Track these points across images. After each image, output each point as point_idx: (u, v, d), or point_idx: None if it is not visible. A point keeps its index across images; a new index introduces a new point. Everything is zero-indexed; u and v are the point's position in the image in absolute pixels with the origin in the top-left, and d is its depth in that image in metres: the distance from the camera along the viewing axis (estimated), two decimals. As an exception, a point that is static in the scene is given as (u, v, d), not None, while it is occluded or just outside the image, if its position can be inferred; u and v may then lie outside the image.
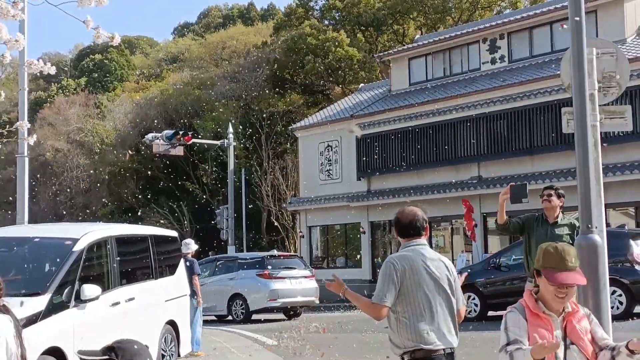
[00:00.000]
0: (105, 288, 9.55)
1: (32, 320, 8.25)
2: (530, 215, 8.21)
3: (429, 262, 4.77)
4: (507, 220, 8.13)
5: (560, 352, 3.65)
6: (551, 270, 3.69)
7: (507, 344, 3.65)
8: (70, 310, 8.84)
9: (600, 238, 5.11)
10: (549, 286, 3.71)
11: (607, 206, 16.54)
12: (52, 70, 5.51)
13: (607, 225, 9.38)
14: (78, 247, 9.27)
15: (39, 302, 8.43)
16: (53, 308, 8.56)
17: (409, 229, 4.88)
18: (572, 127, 5.90)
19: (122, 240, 10.31)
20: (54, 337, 8.51)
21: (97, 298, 9.16)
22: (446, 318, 4.72)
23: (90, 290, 9.02)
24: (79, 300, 8.94)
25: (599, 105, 5.77)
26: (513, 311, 3.81)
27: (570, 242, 7.43)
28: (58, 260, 9.08)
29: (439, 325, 4.66)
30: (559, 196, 7.96)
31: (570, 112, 5.88)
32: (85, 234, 9.62)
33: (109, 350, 3.63)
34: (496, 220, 8.20)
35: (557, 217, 7.95)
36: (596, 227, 5.13)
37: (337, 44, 41.99)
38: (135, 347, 3.77)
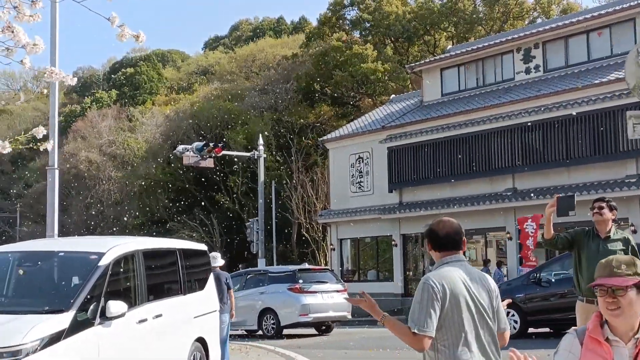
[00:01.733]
0: (132, 304, 9.15)
1: (54, 338, 7.90)
2: (580, 230, 7.62)
3: (470, 282, 4.21)
4: (555, 235, 7.54)
5: None
6: (597, 278, 3.22)
7: None
8: (95, 327, 8.44)
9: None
10: (600, 298, 3.20)
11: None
12: (73, 82, 5.18)
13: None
14: (104, 262, 8.89)
15: (63, 320, 8.06)
16: (77, 325, 8.18)
17: (447, 242, 4.33)
18: (639, 132, 5.37)
19: (149, 254, 9.89)
20: (79, 355, 8.11)
21: (123, 315, 8.74)
22: (489, 344, 4.16)
23: (116, 306, 8.62)
24: (104, 317, 8.54)
25: (667, 109, 5.24)
26: (571, 333, 3.30)
27: None
28: (83, 275, 8.71)
29: (482, 353, 4.11)
30: (611, 209, 7.43)
31: (637, 116, 5.34)
32: (112, 247, 9.23)
33: None
34: (542, 235, 7.60)
35: (610, 231, 7.38)
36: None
37: (362, 58, 41.83)
38: None
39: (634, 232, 21.26)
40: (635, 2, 25.04)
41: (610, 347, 3.17)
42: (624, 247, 7.22)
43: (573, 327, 3.37)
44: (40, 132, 5.12)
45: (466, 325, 4.10)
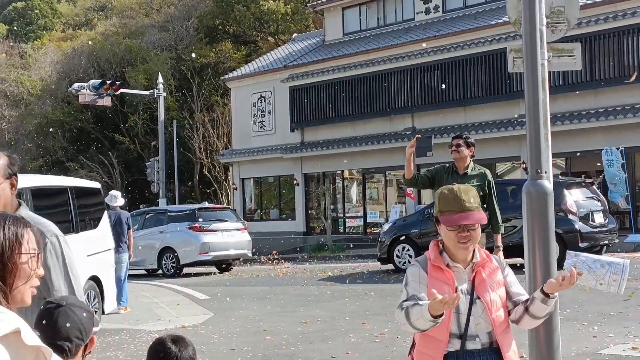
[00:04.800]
0: (20, 243, 8.89)
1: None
2: (439, 167, 7.61)
3: None
4: (415, 174, 7.53)
5: (464, 305, 3.25)
6: (448, 214, 3.29)
7: (405, 300, 3.23)
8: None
9: (549, 184, 4.72)
10: (449, 232, 3.30)
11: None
12: None
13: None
14: (-12, 199, 8.56)
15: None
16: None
17: None
18: (518, 66, 5.49)
19: (38, 192, 9.59)
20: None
21: (10, 254, 8.50)
22: None
23: (2, 245, 8.36)
24: (-10, 256, 8.27)
25: (547, 43, 5.35)
26: (415, 264, 3.39)
27: (481, 193, 6.99)
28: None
29: None
30: (468, 145, 7.37)
31: (517, 50, 5.46)
32: (-3, 185, 8.89)
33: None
34: (404, 175, 7.57)
35: (468, 167, 7.41)
36: (545, 173, 4.72)
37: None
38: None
39: (525, 170, 21.96)
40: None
41: (451, 272, 3.31)
42: (480, 183, 7.26)
43: (415, 259, 3.47)
44: None
45: None
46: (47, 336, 2.52)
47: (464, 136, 7.52)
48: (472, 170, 7.39)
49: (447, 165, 7.58)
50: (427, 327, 3.08)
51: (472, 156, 7.47)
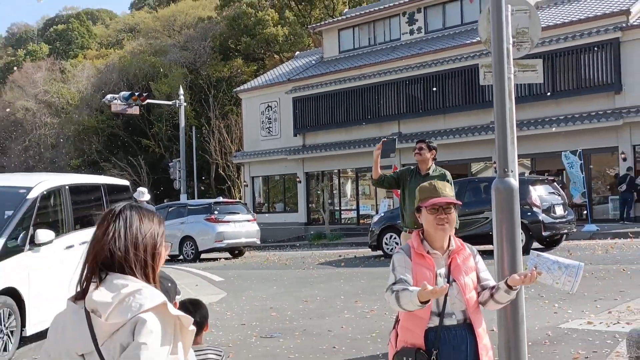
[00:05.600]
0: (60, 233, 8.90)
1: (-14, 263, 7.60)
2: (405, 169, 7.26)
3: None
4: (382, 175, 7.11)
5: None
6: (427, 200, 3.34)
7: (394, 284, 3.24)
8: (25, 253, 8.19)
9: (515, 181, 4.71)
10: (429, 216, 3.32)
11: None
12: None
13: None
14: (32, 195, 8.58)
15: (-6, 246, 7.77)
16: (8, 252, 7.94)
17: None
18: (489, 79, 5.47)
19: (75, 189, 9.58)
20: (9, 278, 7.87)
21: (51, 242, 8.51)
22: None
23: (44, 234, 8.37)
24: (34, 244, 8.29)
25: (513, 59, 5.34)
26: (399, 252, 3.39)
27: None
28: (13, 207, 8.38)
29: None
30: (430, 149, 7.05)
31: (487, 65, 5.44)
32: (39, 182, 8.91)
33: None
34: (372, 176, 7.22)
35: (429, 168, 7.05)
36: (512, 171, 4.71)
37: (264, 24, 41.47)
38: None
39: (495, 170, 21.99)
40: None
41: (432, 259, 3.32)
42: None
43: (399, 247, 3.48)
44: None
45: None
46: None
47: (427, 141, 7.19)
48: (433, 171, 7.05)
49: (412, 167, 7.24)
50: (414, 309, 3.12)
51: (434, 159, 7.15)
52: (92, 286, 2.08)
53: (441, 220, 3.31)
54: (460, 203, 3.47)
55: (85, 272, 2.12)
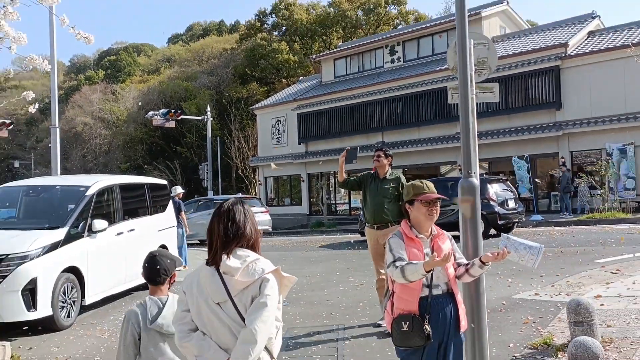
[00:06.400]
0: (112, 222, 8.91)
1: (55, 246, 7.64)
2: (366, 174, 6.76)
3: None
4: (346, 179, 6.72)
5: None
6: (422, 195, 3.36)
7: (394, 261, 3.24)
8: (84, 239, 8.19)
9: (476, 180, 4.69)
10: (422, 207, 3.34)
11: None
12: (47, 67, 4.75)
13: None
14: (90, 192, 8.59)
15: (60, 233, 7.79)
16: (70, 237, 7.94)
17: None
18: (455, 99, 5.46)
19: (124, 187, 9.59)
20: (72, 258, 7.87)
21: (105, 229, 8.52)
22: None
23: (99, 223, 8.38)
24: (91, 232, 8.30)
25: (475, 83, 5.33)
26: (394, 237, 3.40)
27: (396, 193, 6.41)
28: (74, 202, 8.39)
29: None
30: (386, 156, 6.65)
31: (455, 87, 5.43)
32: (95, 182, 8.91)
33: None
34: (337, 179, 6.96)
35: (387, 173, 6.62)
36: (474, 173, 4.70)
37: (278, 52, 41.52)
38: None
39: (460, 170, 21.95)
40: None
41: (420, 241, 3.35)
42: (395, 185, 6.51)
43: (393, 232, 3.46)
44: (29, 95, 4.79)
45: None
46: (149, 269, 3.07)
47: (384, 149, 6.77)
48: (389, 175, 6.63)
49: (372, 172, 6.76)
50: (417, 279, 3.17)
51: (390, 164, 6.72)
52: (223, 256, 2.36)
53: (431, 211, 3.36)
54: (448, 198, 3.51)
55: (218, 246, 2.40)
